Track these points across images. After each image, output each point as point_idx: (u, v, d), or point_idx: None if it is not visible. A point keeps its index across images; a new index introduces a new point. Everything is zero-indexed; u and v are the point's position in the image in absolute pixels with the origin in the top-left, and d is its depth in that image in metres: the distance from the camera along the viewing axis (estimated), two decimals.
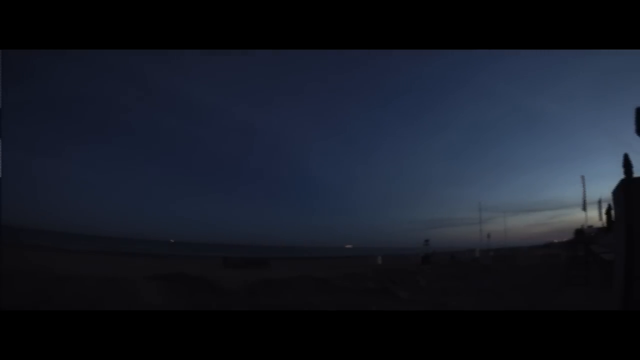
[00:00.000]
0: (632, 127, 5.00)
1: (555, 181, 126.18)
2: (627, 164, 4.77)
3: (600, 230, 22.81)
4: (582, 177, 22.37)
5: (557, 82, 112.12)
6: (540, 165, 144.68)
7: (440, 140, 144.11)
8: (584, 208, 22.47)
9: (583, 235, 23.34)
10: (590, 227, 26.86)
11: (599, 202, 23.62)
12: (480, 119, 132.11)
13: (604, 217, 20.14)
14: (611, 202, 10.88)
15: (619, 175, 4.79)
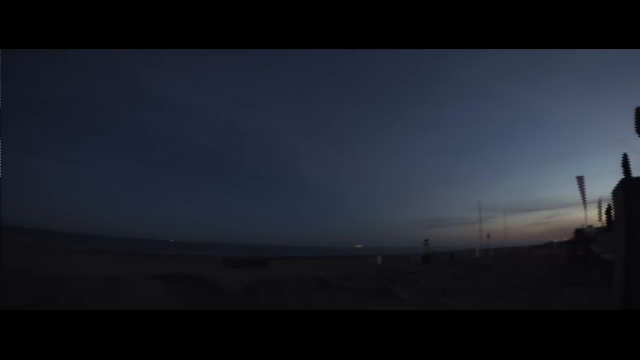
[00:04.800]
0: (632, 124, 5.01)
1: (554, 180, 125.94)
2: (627, 164, 4.78)
3: (600, 230, 22.78)
4: (578, 178, 22.31)
5: (553, 79, 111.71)
6: (538, 164, 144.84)
7: (434, 138, 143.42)
8: (585, 207, 22.48)
9: (583, 235, 23.32)
10: (590, 227, 26.84)
11: (599, 202, 23.61)
12: (474, 117, 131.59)
13: (604, 217, 20.12)
14: (611, 202, 10.88)
15: (620, 173, 4.80)
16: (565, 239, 34.69)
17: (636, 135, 4.95)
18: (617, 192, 4.86)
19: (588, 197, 24.56)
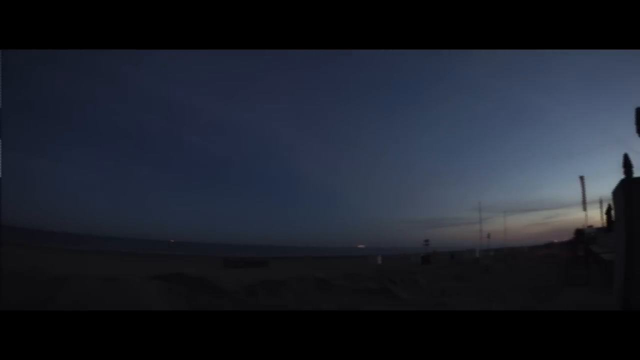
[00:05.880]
0: (630, 124, 5.01)
1: (554, 180, 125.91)
2: (627, 164, 4.78)
3: (600, 230, 22.81)
4: (581, 178, 22.43)
5: (553, 78, 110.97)
6: (537, 164, 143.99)
7: (433, 137, 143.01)
8: (585, 208, 22.53)
9: (583, 235, 23.36)
10: (590, 227, 26.88)
11: (600, 201, 23.65)
12: (472, 116, 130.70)
13: (604, 217, 20.15)
14: (611, 202, 10.88)
15: (620, 173, 4.80)
16: (565, 239, 34.78)
17: (636, 135, 4.95)
18: (617, 192, 4.86)
19: (588, 197, 24.65)
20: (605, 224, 19.75)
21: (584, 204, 24.40)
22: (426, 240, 36.88)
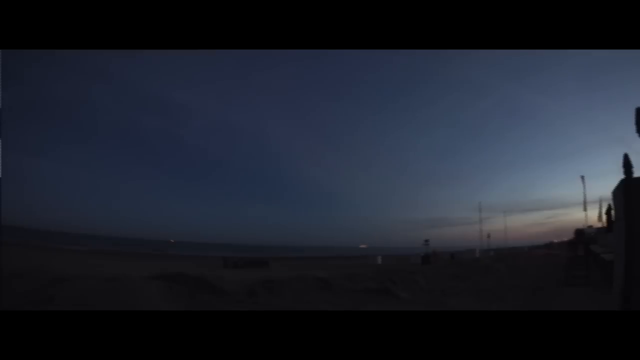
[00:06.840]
0: (630, 123, 5.01)
1: (554, 180, 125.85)
2: (627, 164, 4.77)
3: (600, 230, 22.81)
4: (582, 178, 22.51)
5: (553, 78, 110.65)
6: (538, 164, 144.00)
7: (432, 137, 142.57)
8: (585, 208, 22.55)
9: (583, 235, 23.39)
10: (590, 227, 26.90)
11: (599, 201, 23.65)
12: (473, 116, 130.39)
13: (604, 217, 20.15)
14: (611, 202, 10.88)
15: (620, 173, 4.79)
16: (565, 239, 34.81)
17: (636, 135, 4.95)
18: (617, 192, 4.86)
19: (588, 197, 24.66)
20: (604, 224, 19.76)
21: (584, 204, 24.42)
22: (426, 240, 36.88)
